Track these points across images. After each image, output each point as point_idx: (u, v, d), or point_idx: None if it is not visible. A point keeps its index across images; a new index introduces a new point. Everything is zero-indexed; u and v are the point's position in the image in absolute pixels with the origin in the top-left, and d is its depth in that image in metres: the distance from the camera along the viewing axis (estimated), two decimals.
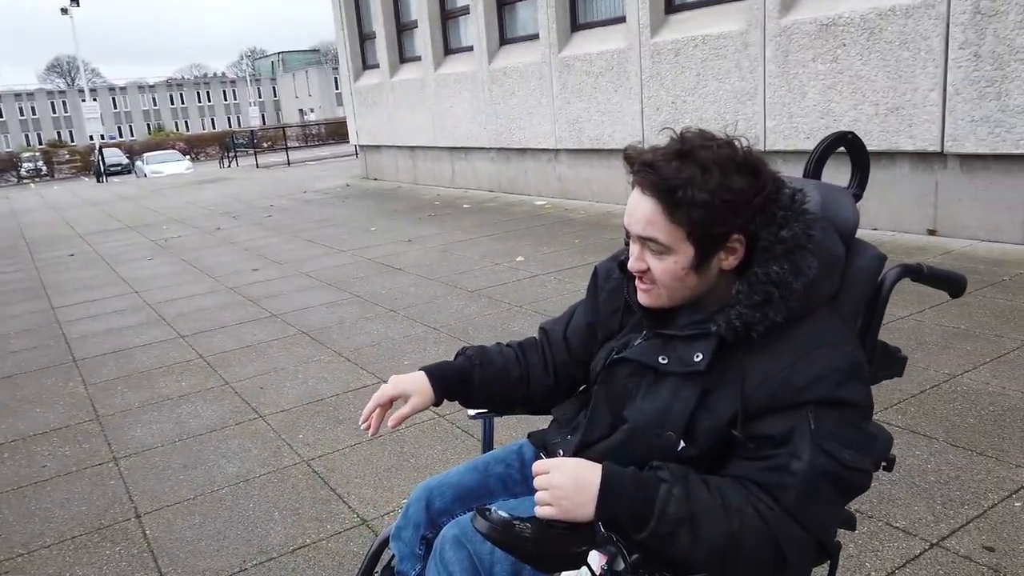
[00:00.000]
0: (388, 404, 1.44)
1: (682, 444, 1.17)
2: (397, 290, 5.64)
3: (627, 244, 1.27)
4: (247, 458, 3.11)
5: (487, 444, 1.72)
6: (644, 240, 1.19)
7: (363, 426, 1.44)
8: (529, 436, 1.51)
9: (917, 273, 1.33)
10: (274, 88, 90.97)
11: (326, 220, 9.52)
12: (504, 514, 1.10)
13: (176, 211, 12.08)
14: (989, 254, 5.00)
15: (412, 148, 12.55)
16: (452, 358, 1.53)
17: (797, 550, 1.07)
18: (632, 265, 1.23)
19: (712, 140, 1.17)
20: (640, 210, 1.18)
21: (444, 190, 11.36)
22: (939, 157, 5.53)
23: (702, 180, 1.12)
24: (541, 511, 1.10)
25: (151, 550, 2.51)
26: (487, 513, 1.11)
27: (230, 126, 78.21)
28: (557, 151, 9.31)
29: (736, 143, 1.18)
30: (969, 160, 5.36)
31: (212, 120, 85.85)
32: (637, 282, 1.24)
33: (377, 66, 12.99)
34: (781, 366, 1.11)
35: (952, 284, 1.38)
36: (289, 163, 20.92)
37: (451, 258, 6.59)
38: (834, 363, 1.11)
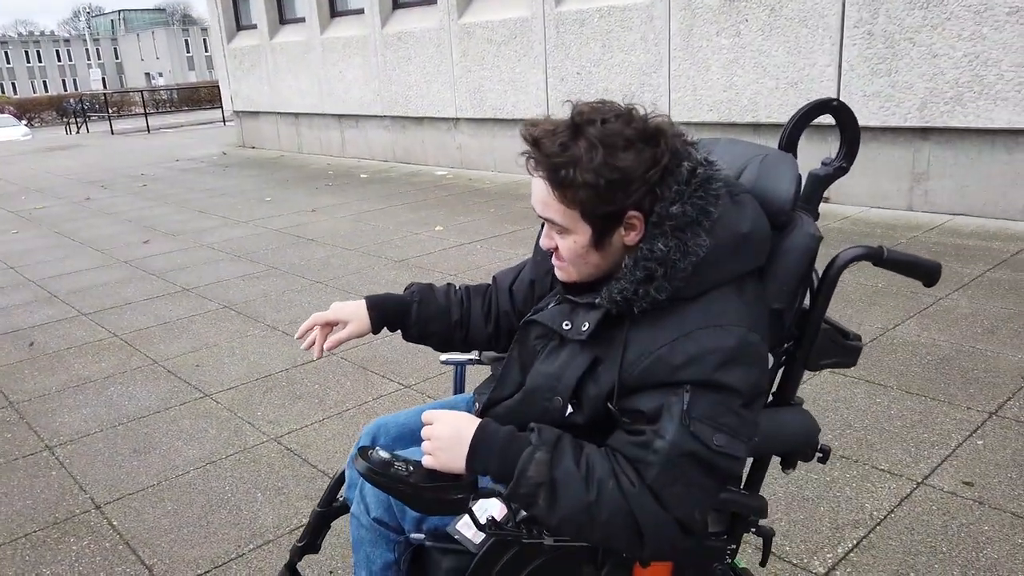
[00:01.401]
0: (328, 327, 1.50)
1: (569, 410, 1.19)
2: (316, 261, 5.41)
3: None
4: (205, 439, 2.91)
5: (457, 389, 1.77)
6: (547, 219, 1.19)
7: (303, 345, 1.50)
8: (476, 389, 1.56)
9: (876, 257, 1.26)
10: (115, 49, 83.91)
11: (212, 190, 8.95)
12: (385, 454, 1.16)
13: (31, 180, 10.92)
14: (880, 219, 5.46)
15: (296, 115, 11.98)
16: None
17: (654, 527, 1.06)
18: (543, 243, 1.24)
19: (605, 113, 1.12)
20: (536, 191, 1.17)
21: (334, 159, 10.96)
22: (833, 129, 5.86)
23: (587, 159, 1.08)
24: (424, 459, 1.15)
25: (125, 541, 2.30)
26: (369, 453, 1.16)
27: (65, 89, 71.43)
28: (457, 120, 9.20)
29: (634, 113, 1.13)
30: (861, 132, 5.79)
31: (44, 83, 78.06)
32: (552, 258, 1.25)
33: (254, 27, 12.24)
34: (659, 343, 1.10)
35: (922, 271, 1.30)
36: (149, 130, 19.39)
37: (365, 228, 6.40)
38: (717, 344, 1.08)
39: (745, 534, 1.34)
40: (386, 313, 1.50)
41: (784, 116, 6.00)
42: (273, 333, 4.01)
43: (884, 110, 5.50)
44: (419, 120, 9.75)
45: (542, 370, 1.23)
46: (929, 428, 2.59)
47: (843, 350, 1.32)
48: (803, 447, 1.33)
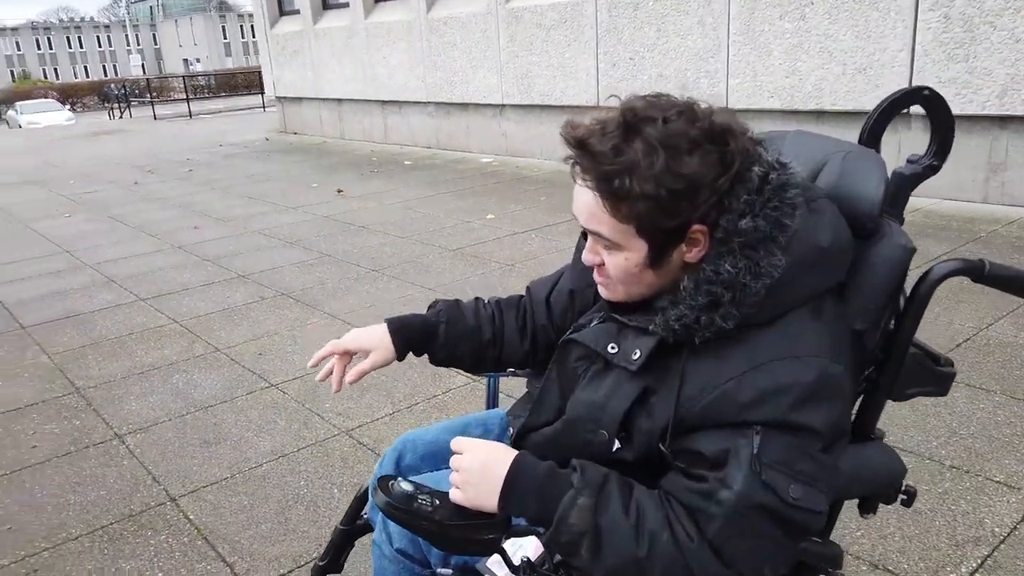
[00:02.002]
0: (348, 357, 1.34)
1: (616, 444, 1.04)
2: (370, 249, 5.35)
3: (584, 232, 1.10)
4: (275, 431, 2.85)
5: (490, 403, 1.65)
6: (592, 233, 1.03)
7: (318, 377, 1.35)
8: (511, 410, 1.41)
9: (975, 272, 1.10)
10: (154, 35, 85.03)
11: (257, 175, 8.94)
12: (408, 486, 1.03)
13: (79, 164, 11.04)
14: (955, 212, 5.24)
15: (339, 101, 11.94)
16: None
17: None
18: (586, 258, 1.07)
19: (664, 109, 0.96)
20: (581, 201, 1.01)
21: (377, 145, 10.90)
22: (904, 118, 5.65)
23: (646, 165, 0.93)
24: (451, 494, 1.02)
25: (203, 536, 2.24)
26: (390, 485, 1.03)
27: (105, 75, 72.63)
28: (503, 106, 9.07)
29: (696, 110, 0.97)
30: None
31: (85, 68, 79.44)
32: (595, 274, 1.09)
33: (297, 12, 12.21)
34: (725, 376, 0.95)
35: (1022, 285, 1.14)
36: (191, 115, 19.56)
37: (415, 216, 6.32)
38: (793, 379, 0.93)
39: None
40: (411, 337, 1.34)
41: (851, 104, 5.80)
42: (334, 322, 3.94)
43: (960, 97, 5.25)
44: (463, 106, 9.64)
45: (584, 398, 1.08)
46: None
47: (933, 377, 1.16)
48: (886, 489, 1.18)
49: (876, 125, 1.18)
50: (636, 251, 0.99)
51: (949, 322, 3.36)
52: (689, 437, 0.97)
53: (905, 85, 5.61)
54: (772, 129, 1.23)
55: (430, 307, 1.40)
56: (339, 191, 7.54)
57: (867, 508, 1.21)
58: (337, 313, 4.07)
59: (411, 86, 10.25)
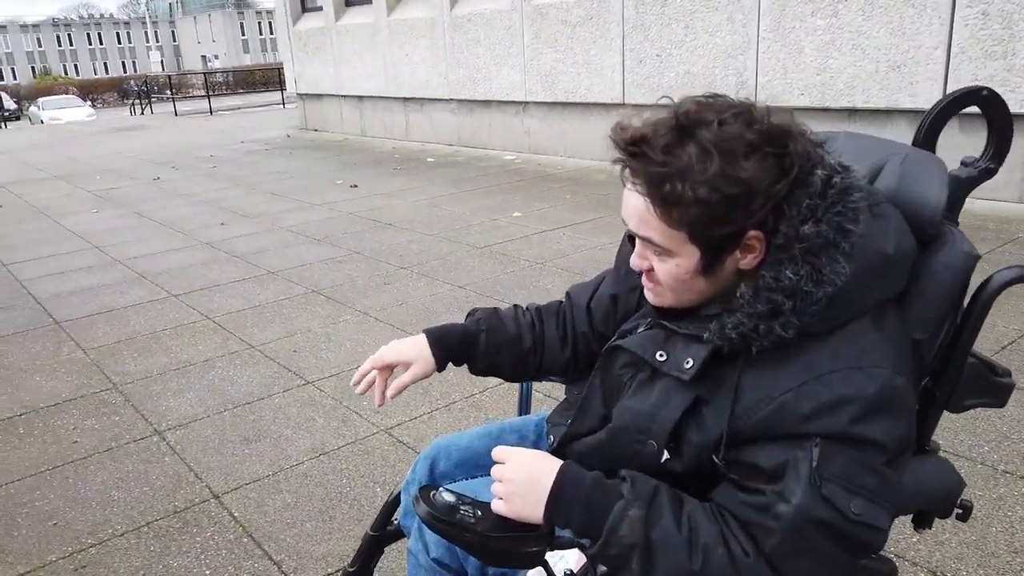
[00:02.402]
0: (388, 370, 1.31)
1: (665, 455, 1.01)
2: (397, 246, 5.34)
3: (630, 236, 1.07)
4: (314, 428, 2.85)
5: (523, 408, 1.62)
6: (642, 238, 1.00)
7: (357, 390, 1.33)
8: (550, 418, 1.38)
9: None
10: (173, 32, 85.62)
11: (281, 172, 8.97)
12: (450, 497, 1.00)
13: (103, 160, 11.13)
14: (991, 212, 5.15)
15: (360, 98, 11.96)
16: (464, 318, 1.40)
17: None
18: (634, 263, 1.04)
19: (720, 111, 0.93)
20: (631, 205, 0.97)
21: (399, 143, 10.91)
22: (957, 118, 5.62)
23: (699, 170, 0.89)
24: (493, 505, 0.99)
25: (249, 534, 2.24)
26: (432, 495, 1.00)
27: (124, 71, 73.20)
28: (526, 104, 9.04)
29: (754, 111, 0.94)
30: (971, 119, 5.46)
31: (105, 65, 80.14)
32: (643, 279, 1.06)
33: (320, 9, 12.24)
34: (784, 387, 0.92)
35: None
36: (211, 111, 19.67)
37: (441, 213, 6.31)
38: (855, 391, 0.89)
39: None
40: (451, 347, 1.32)
41: (883, 102, 5.72)
42: (366, 320, 3.94)
43: None
44: (487, 103, 9.63)
45: (632, 407, 1.05)
46: None
47: (991, 388, 1.14)
48: (943, 504, 1.14)
49: (933, 125, 1.15)
50: (688, 257, 0.96)
51: (993, 324, 3.31)
52: (744, 449, 0.94)
53: (940, 83, 5.50)
54: (819, 131, 1.20)
55: (468, 315, 1.37)
56: (353, 186, 7.55)
57: (922, 523, 1.18)
58: (368, 310, 4.07)
59: (433, 83, 10.24)
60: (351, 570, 1.57)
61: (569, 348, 1.33)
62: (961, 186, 1.12)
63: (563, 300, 1.39)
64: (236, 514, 2.34)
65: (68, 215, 7.18)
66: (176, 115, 19.75)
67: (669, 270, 0.98)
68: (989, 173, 1.14)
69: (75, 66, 78.34)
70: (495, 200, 6.67)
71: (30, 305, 4.50)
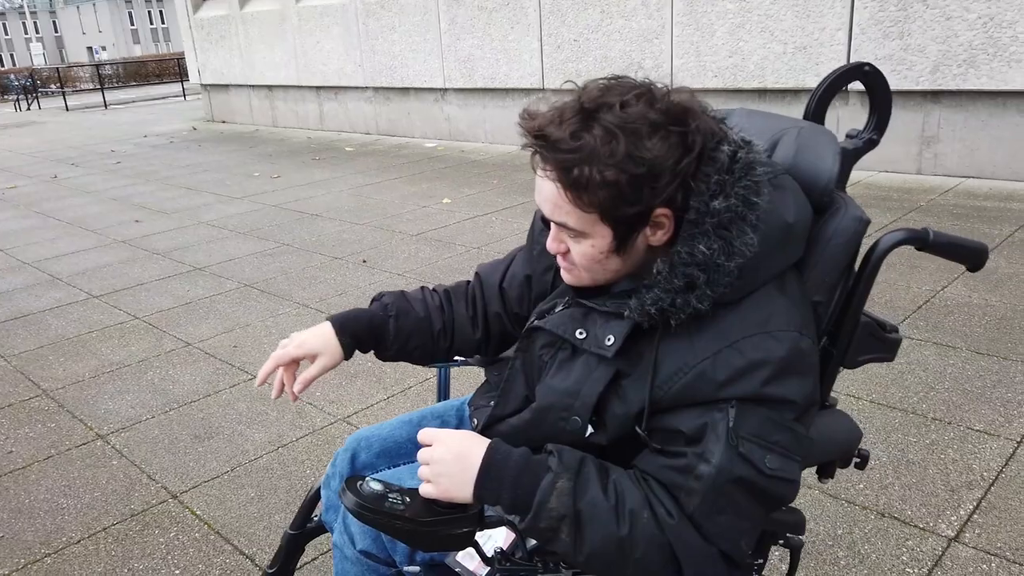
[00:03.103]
0: (295, 365, 1.26)
1: (590, 430, 1.04)
2: (328, 236, 5.25)
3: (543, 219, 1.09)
4: (268, 422, 2.79)
5: (442, 394, 1.63)
6: (557, 223, 1.02)
7: (273, 395, 1.29)
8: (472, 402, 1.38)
9: (921, 240, 1.12)
10: (55, 23, 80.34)
11: (193, 166, 8.63)
12: (377, 486, 0.99)
13: None
14: (891, 183, 5.51)
15: (270, 87, 11.61)
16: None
17: (695, 562, 0.93)
18: (550, 247, 1.06)
19: (622, 93, 0.94)
20: (543, 191, 0.99)
21: (313, 133, 10.67)
22: (841, 94, 5.92)
23: (605, 152, 0.91)
24: (421, 488, 1.00)
25: (215, 531, 2.19)
26: (359, 485, 0.99)
27: (2, 64, 68.27)
28: (445, 90, 9.00)
29: (655, 91, 0.95)
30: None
31: None
32: (559, 260, 1.08)
33: None
34: (701, 356, 0.95)
35: (968, 254, 1.16)
36: (106, 105, 18.63)
37: (369, 202, 6.23)
38: (766, 354, 0.94)
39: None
40: (358, 335, 1.28)
41: (792, 81, 6.00)
42: (306, 311, 3.87)
43: (896, 74, 5.52)
44: (404, 91, 9.53)
45: (555, 385, 1.06)
46: (1011, 388, 2.61)
47: (883, 344, 1.18)
48: (844, 454, 1.21)
49: (821, 101, 1.21)
50: (601, 238, 0.98)
51: (907, 286, 3.55)
52: (665, 417, 0.98)
53: (843, 62, 5.82)
54: (716, 108, 1.28)
55: (374, 300, 1.35)
56: (275, 177, 7.36)
57: (825, 473, 1.24)
58: (307, 302, 4.00)
59: (348, 71, 10.05)
60: (271, 571, 1.53)
61: (480, 329, 1.34)
62: (848, 157, 1.19)
63: (471, 280, 1.38)
64: (198, 512, 2.28)
65: None
66: (67, 110, 18.62)
67: (584, 251, 1.00)
68: (872, 144, 1.21)
69: None
70: (421, 187, 6.63)
71: None
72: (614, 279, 1.04)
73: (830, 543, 1.96)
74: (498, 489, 0.96)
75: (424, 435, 1.02)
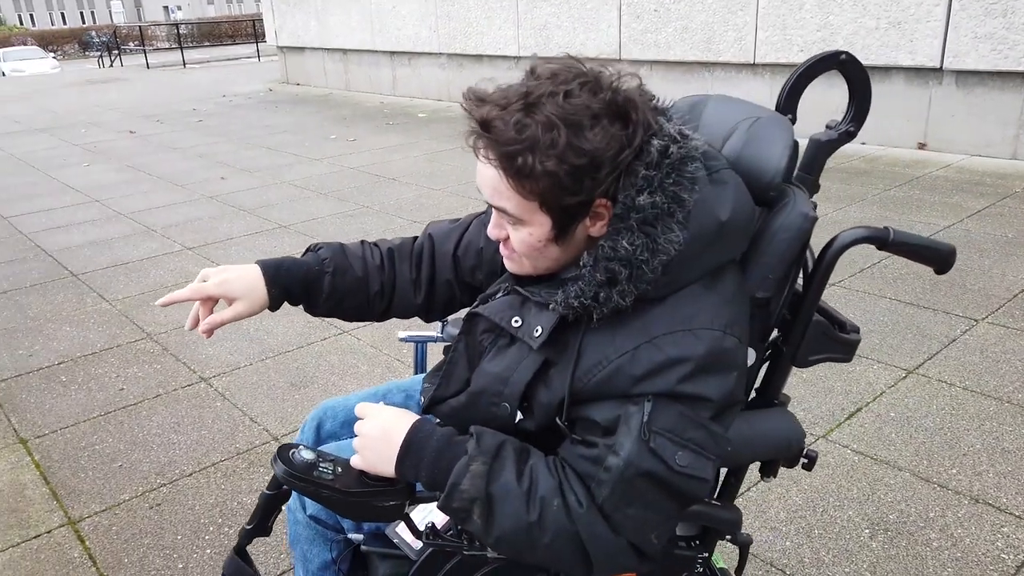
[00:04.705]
0: (211, 302, 1.21)
1: (519, 416, 1.05)
2: (406, 200, 5.35)
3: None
4: (359, 374, 2.91)
5: (419, 367, 1.62)
6: (497, 208, 1.00)
7: (187, 326, 1.23)
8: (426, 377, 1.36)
9: (880, 240, 1.09)
10: None
11: (271, 127, 8.84)
12: (308, 455, 1.01)
13: (82, 114, 10.84)
14: (984, 168, 5.31)
15: (345, 51, 11.76)
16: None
17: (603, 552, 0.95)
18: (491, 233, 1.05)
19: (567, 82, 0.93)
20: (483, 176, 0.98)
21: (386, 98, 10.78)
22: (935, 73, 5.74)
23: (546, 142, 0.90)
24: (352, 459, 1.02)
25: None
26: (291, 453, 1.01)
27: (83, 22, 70.51)
28: (519, 59, 8.98)
29: (601, 80, 0.94)
30: (965, 76, 5.60)
31: (62, 15, 77.00)
32: (501, 247, 1.07)
33: None
34: (620, 350, 0.95)
35: (933, 256, 1.12)
36: (185, 64, 19.15)
37: (444, 168, 6.30)
38: (685, 352, 0.94)
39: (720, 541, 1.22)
40: (289, 287, 1.24)
41: (883, 59, 5.81)
42: None
43: (996, 53, 5.29)
44: (478, 58, 9.54)
45: (488, 370, 1.08)
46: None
47: (837, 344, 1.14)
48: (785, 453, 1.19)
49: (793, 90, 1.18)
50: (540, 226, 0.97)
51: (1003, 275, 3.46)
52: (585, 407, 0.99)
53: (940, 40, 5.59)
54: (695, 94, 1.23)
55: (309, 249, 1.29)
56: (351, 140, 7.49)
57: (767, 471, 1.23)
58: None
59: (423, 37, 10.10)
60: (249, 527, 1.54)
61: (423, 294, 1.30)
62: (823, 148, 1.17)
63: (418, 238, 1.34)
64: None
65: (58, 168, 7.03)
66: (148, 68, 19.20)
67: (523, 239, 1.00)
68: (849, 136, 1.17)
69: (31, 16, 75.25)
70: None
71: (42, 258, 4.46)
72: (555, 268, 1.04)
73: (922, 524, 1.97)
74: (417, 467, 0.99)
75: (359, 409, 1.05)
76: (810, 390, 2.60)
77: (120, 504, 2.21)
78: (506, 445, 0.99)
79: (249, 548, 1.42)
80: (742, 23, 6.69)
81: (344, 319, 1.33)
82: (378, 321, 1.33)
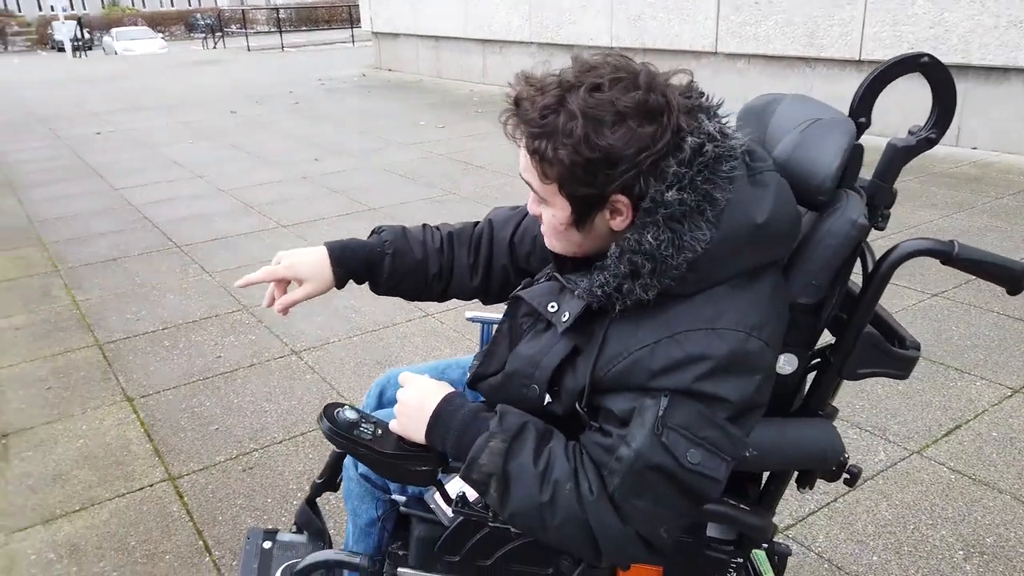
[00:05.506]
0: (284, 283, 1.30)
1: (548, 399, 1.07)
2: (493, 188, 5.41)
3: None
4: (441, 356, 2.96)
5: (482, 347, 1.60)
6: (527, 183, 1.03)
7: (264, 303, 1.32)
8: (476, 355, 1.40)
9: (943, 254, 1.03)
10: None
11: (364, 111, 9.06)
12: (352, 414, 1.08)
13: (187, 93, 11.38)
14: None
15: (437, 38, 11.91)
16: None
17: (611, 540, 0.97)
18: (529, 207, 1.09)
19: (600, 76, 0.93)
20: (520, 153, 1.01)
21: (476, 86, 10.87)
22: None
23: (565, 132, 0.92)
24: (390, 424, 1.08)
25: None
26: (336, 412, 1.07)
27: (189, 4, 73.70)
28: (611, 49, 8.87)
29: (639, 80, 0.93)
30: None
31: None
32: (540, 225, 1.09)
33: None
34: (641, 343, 0.96)
35: (1002, 274, 1.05)
36: (283, 47, 19.81)
37: None
38: (706, 350, 0.93)
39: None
40: (352, 267, 1.31)
41: (1002, 59, 5.51)
42: None
43: None
44: (569, 48, 9.49)
45: (523, 352, 1.11)
46: None
47: (891, 360, 1.09)
48: (819, 465, 1.15)
49: (868, 92, 1.11)
50: (561, 209, 1.00)
51: None
52: (604, 396, 1.00)
53: None
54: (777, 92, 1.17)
55: (374, 232, 1.37)
56: (440, 127, 7.59)
57: (803, 482, 1.21)
58: None
59: (515, 25, 10.13)
60: (319, 481, 1.65)
61: (479, 277, 1.35)
62: (898, 155, 1.11)
63: (479, 223, 1.39)
64: None
65: (166, 144, 7.40)
66: (248, 50, 19.94)
67: (547, 218, 1.03)
68: (930, 143, 1.11)
69: None
70: None
71: (149, 229, 4.72)
72: (579, 253, 1.06)
73: (1022, 551, 1.87)
74: (444, 437, 1.04)
75: (402, 378, 1.12)
76: (906, 403, 2.50)
77: (216, 465, 2.33)
78: (528, 426, 1.02)
79: (319, 501, 1.52)
80: (848, 17, 6.43)
81: (405, 298, 1.39)
82: (438, 301, 1.39)
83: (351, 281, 1.33)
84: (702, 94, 0.99)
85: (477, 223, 1.39)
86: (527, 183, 1.03)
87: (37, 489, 2.25)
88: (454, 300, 1.39)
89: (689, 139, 0.93)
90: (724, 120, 0.99)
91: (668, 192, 0.92)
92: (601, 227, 1.00)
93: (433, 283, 1.34)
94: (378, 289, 1.35)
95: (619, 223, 0.98)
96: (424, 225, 1.38)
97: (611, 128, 0.91)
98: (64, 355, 3.07)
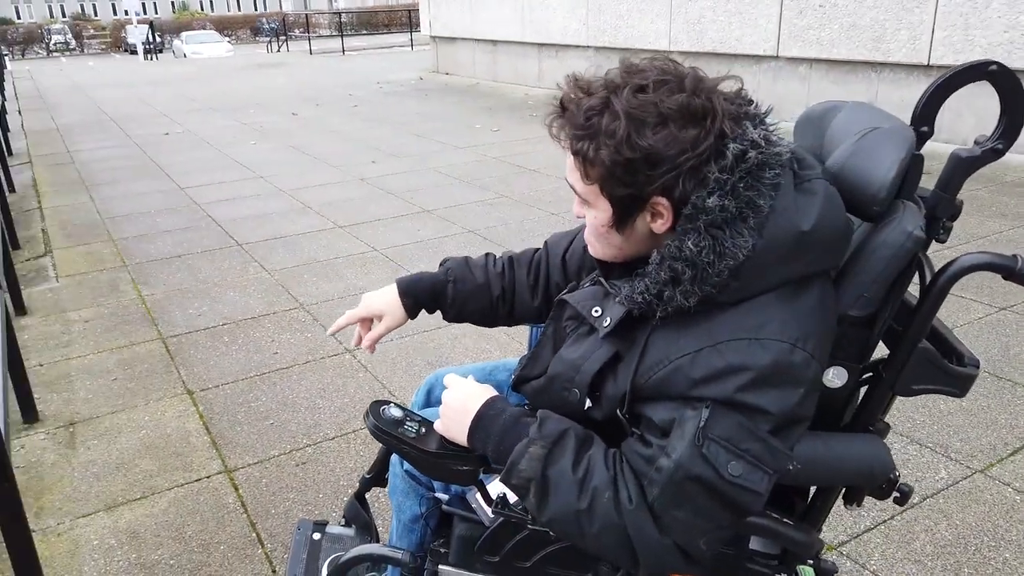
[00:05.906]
0: (368, 322, 1.40)
1: (588, 404, 1.07)
2: (545, 192, 5.41)
3: None
4: (490, 359, 2.96)
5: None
6: (571, 185, 1.04)
7: (352, 343, 1.40)
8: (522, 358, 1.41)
9: (1006, 269, 0.99)
10: None
11: (420, 114, 9.17)
12: (397, 412, 1.10)
13: (252, 95, 11.70)
14: None
15: (494, 42, 11.99)
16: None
17: (649, 550, 0.96)
18: (574, 209, 1.09)
19: (645, 77, 0.94)
20: (567, 155, 1.02)
21: (532, 90, 10.90)
22: None
23: (607, 132, 0.92)
24: (435, 424, 1.10)
25: None
26: (381, 409, 1.09)
27: (255, 9, 75.74)
28: (668, 53, 8.80)
29: (684, 83, 0.93)
30: None
31: (238, 1, 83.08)
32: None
33: None
34: (682, 351, 0.95)
35: None
36: (344, 51, 20.21)
37: None
38: (748, 360, 0.92)
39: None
40: (420, 298, 1.39)
41: None
42: None
43: None
44: (626, 51, 9.40)
45: (565, 356, 1.11)
46: None
47: (947, 377, 1.05)
48: (866, 482, 1.11)
49: (931, 101, 1.08)
50: (603, 211, 1.00)
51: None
52: (645, 404, 1.00)
53: None
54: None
55: (441, 264, 1.43)
56: (495, 130, 7.63)
57: (851, 499, 1.18)
58: None
59: (572, 29, 10.12)
60: (368, 476, 1.67)
61: (539, 297, 1.38)
62: (961, 166, 1.07)
63: (539, 248, 1.43)
64: None
65: (230, 145, 7.63)
66: (311, 54, 20.39)
67: (590, 220, 1.04)
68: (996, 153, 1.07)
69: (211, 2, 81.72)
70: None
71: (212, 227, 4.87)
72: (620, 256, 1.06)
73: None
74: (485, 440, 1.05)
75: (447, 379, 1.14)
76: (970, 420, 2.41)
77: (270, 459, 2.39)
78: (569, 432, 1.02)
79: (368, 496, 1.55)
80: (917, 21, 6.24)
81: (476, 323, 1.44)
82: (507, 325, 1.44)
83: (423, 311, 1.40)
84: (750, 101, 0.99)
85: (538, 249, 1.44)
86: (571, 186, 1.04)
87: (101, 477, 2.34)
88: None
89: (732, 145, 0.93)
90: (771, 127, 0.99)
91: (710, 198, 0.92)
92: (642, 230, 1.00)
93: (498, 305, 1.40)
94: (447, 315, 1.42)
95: (660, 226, 0.98)
96: (487, 254, 1.45)
97: (653, 129, 0.92)
98: (129, 348, 3.20)
